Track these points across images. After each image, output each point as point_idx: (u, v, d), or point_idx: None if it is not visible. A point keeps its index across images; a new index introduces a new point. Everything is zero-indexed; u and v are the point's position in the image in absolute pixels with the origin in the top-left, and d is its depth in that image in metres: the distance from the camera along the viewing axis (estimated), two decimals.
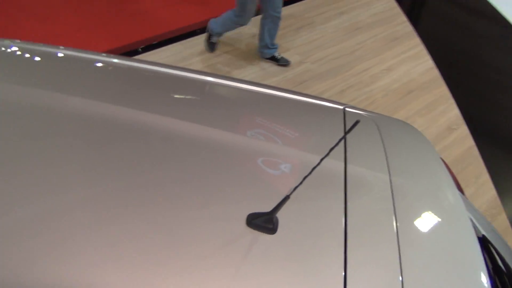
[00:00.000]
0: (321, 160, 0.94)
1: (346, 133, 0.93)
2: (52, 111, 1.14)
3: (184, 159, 1.07)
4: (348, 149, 1.22)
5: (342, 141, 1.23)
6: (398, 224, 1.02)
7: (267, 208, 0.92)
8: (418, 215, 1.09)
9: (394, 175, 1.17)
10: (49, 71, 1.37)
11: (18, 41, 1.51)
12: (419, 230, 1.05)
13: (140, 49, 4.15)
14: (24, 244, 0.81)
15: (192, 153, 1.09)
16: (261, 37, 3.81)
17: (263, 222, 0.92)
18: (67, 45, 1.54)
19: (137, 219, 0.89)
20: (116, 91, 1.29)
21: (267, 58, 3.94)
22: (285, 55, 4.01)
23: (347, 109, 1.45)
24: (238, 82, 1.46)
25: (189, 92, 1.39)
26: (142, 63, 1.45)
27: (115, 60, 1.45)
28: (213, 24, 3.91)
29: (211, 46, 4.06)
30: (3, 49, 1.43)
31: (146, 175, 1.00)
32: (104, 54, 1.50)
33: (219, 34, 4.01)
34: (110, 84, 1.33)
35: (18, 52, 1.43)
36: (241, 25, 3.74)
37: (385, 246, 0.96)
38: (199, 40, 4.25)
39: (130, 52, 4.09)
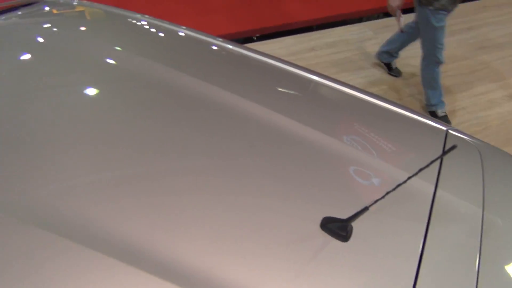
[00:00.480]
0: (409, 178, 0.91)
1: (441, 155, 0.89)
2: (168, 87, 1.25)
3: (275, 151, 1.10)
4: (442, 173, 1.16)
5: (437, 164, 1.17)
6: (480, 264, 0.95)
7: (344, 214, 0.92)
8: (507, 260, 1.01)
9: (488, 210, 1.09)
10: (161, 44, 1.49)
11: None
12: (503, 276, 0.97)
13: (255, 37, 4.27)
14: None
15: (284, 147, 1.12)
16: (391, 41, 3.64)
17: (337, 228, 0.92)
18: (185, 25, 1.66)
19: (215, 200, 0.95)
20: (221, 73, 1.36)
21: (382, 62, 3.80)
22: (400, 65, 3.85)
23: (450, 131, 1.37)
24: (341, 85, 1.45)
25: (290, 87, 1.41)
26: (252, 51, 1.51)
27: (225, 45, 1.52)
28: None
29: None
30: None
31: (237, 160, 1.05)
32: (212, 36, 1.59)
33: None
34: (217, 67, 1.41)
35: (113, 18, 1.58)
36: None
37: (461, 282, 0.90)
38: (313, 36, 4.26)
39: (245, 39, 4.24)
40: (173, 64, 1.34)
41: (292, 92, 1.40)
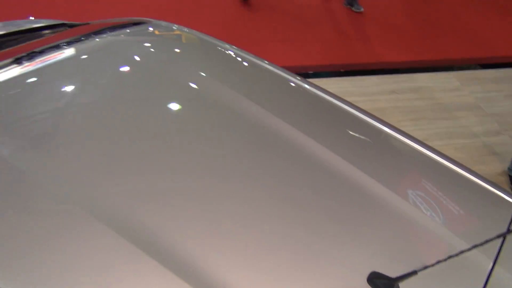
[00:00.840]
0: (463, 252, 0.90)
1: (506, 232, 0.88)
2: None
3: (331, 194, 1.14)
4: (504, 250, 1.12)
5: (499, 240, 1.13)
6: None
7: (394, 270, 0.93)
8: None
9: None
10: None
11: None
12: None
13: (341, 71, 4.32)
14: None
15: (346, 193, 1.15)
16: None
17: (384, 286, 0.93)
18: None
19: (265, 236, 1.00)
20: (296, 113, 1.43)
21: None
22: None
23: None
24: (406, 137, 1.44)
25: (359, 134, 1.44)
26: (327, 94, 1.55)
27: (304, 84, 1.58)
28: None
29: None
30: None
31: (298, 201, 1.10)
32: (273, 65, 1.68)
33: None
34: (293, 106, 1.48)
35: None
36: None
37: None
38: (397, 79, 4.21)
39: (330, 73, 4.30)
40: (250, 95, 1.43)
41: (360, 140, 1.43)
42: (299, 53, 4.52)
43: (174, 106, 1.39)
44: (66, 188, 1.03)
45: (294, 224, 1.03)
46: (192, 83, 1.46)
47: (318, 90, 1.55)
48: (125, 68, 1.54)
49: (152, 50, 1.66)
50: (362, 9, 5.29)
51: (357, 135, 1.45)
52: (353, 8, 5.31)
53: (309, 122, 1.39)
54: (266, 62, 1.66)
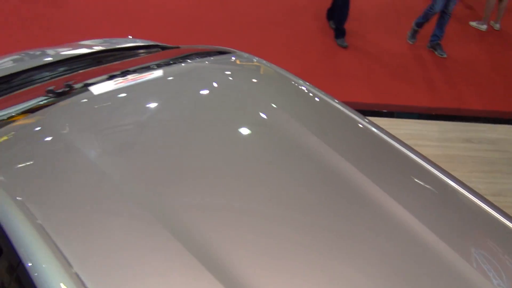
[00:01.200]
0: None
1: None
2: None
3: (384, 236, 1.17)
4: None
5: None
6: None
7: None
8: None
9: None
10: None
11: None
12: None
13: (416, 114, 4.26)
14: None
15: (394, 234, 1.18)
16: None
17: None
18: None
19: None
20: (364, 158, 1.47)
21: None
22: None
23: None
24: (468, 191, 1.40)
25: (414, 176, 1.44)
26: (398, 142, 1.56)
27: (373, 128, 1.61)
28: None
29: None
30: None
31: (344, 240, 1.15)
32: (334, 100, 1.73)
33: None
34: (362, 149, 1.52)
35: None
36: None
37: None
38: (474, 127, 4.07)
39: (407, 114, 4.28)
40: (316, 131, 1.51)
41: (419, 187, 1.42)
42: (378, 91, 4.56)
43: (243, 131, 1.51)
44: (141, 194, 1.17)
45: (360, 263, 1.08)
46: (263, 112, 1.58)
47: (384, 134, 1.58)
48: (204, 92, 1.70)
49: (230, 78, 1.81)
50: (445, 55, 5.19)
51: (417, 181, 1.45)
52: (436, 52, 5.23)
53: (371, 164, 1.43)
54: (336, 101, 1.73)
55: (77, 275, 0.94)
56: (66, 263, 0.96)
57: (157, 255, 1.02)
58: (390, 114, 4.27)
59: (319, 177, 1.34)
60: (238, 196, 1.22)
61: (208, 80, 1.76)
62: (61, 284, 0.93)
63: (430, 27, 5.28)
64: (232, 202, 1.20)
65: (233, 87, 1.74)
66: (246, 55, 2.06)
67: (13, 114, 1.63)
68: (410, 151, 1.51)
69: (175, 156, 1.34)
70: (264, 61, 1.99)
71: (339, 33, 5.25)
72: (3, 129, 1.46)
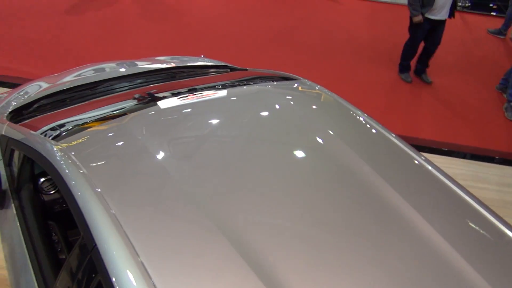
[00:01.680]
0: None
1: None
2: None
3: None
4: None
5: None
6: None
7: None
8: None
9: None
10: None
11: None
12: None
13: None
14: None
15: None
16: None
17: None
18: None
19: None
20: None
21: None
22: None
23: None
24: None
25: (469, 218, 1.45)
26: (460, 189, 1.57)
27: (435, 171, 1.63)
28: None
29: None
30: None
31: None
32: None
33: None
34: (418, 189, 1.55)
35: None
36: None
37: None
38: None
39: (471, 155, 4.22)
40: (369, 161, 1.57)
41: (472, 230, 1.42)
42: (442, 129, 4.52)
43: (298, 154, 1.61)
44: (203, 200, 1.30)
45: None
46: (319, 138, 1.67)
47: (438, 172, 1.60)
48: (265, 114, 1.83)
49: (291, 103, 1.92)
50: None
51: (471, 224, 1.45)
52: (505, 95, 5.10)
53: (422, 201, 1.46)
54: (393, 135, 1.79)
55: (142, 264, 1.07)
56: (134, 252, 1.10)
57: (213, 258, 1.12)
58: (448, 153, 4.20)
59: (367, 207, 1.39)
60: (288, 213, 1.31)
61: (270, 103, 1.88)
62: (128, 270, 1.06)
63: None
64: (282, 218, 1.29)
65: (293, 112, 1.85)
66: (309, 82, 2.17)
67: (95, 118, 1.84)
68: (465, 193, 1.53)
69: (233, 170, 1.46)
70: (326, 90, 2.09)
71: (403, 68, 5.42)
72: (87, 130, 1.67)
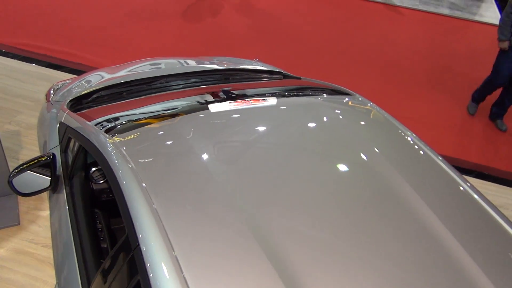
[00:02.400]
0: None
1: None
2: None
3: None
4: None
5: None
6: None
7: None
8: None
9: None
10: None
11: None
12: None
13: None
14: None
15: None
16: None
17: None
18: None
19: None
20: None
21: None
22: None
23: None
24: None
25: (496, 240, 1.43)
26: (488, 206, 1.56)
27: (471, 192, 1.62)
28: None
29: None
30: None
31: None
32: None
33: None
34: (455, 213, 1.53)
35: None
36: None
37: None
38: None
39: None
40: (410, 181, 1.55)
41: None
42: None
43: (341, 168, 1.60)
44: (243, 207, 1.32)
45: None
46: (364, 154, 1.66)
47: (480, 197, 1.57)
48: (312, 126, 1.84)
49: (341, 117, 1.91)
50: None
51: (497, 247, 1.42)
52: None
53: (459, 225, 1.44)
54: (439, 157, 1.75)
55: (177, 259, 1.12)
56: (170, 247, 1.14)
57: (247, 267, 1.14)
58: (503, 181, 4.01)
59: (405, 228, 1.38)
60: (324, 227, 1.32)
61: (318, 115, 1.88)
62: (163, 263, 1.10)
63: None
64: (319, 234, 1.30)
65: (340, 127, 1.83)
66: (361, 98, 2.14)
67: (149, 116, 1.91)
68: (504, 221, 1.51)
69: (275, 179, 1.48)
70: (377, 107, 2.06)
71: (475, 98, 4.90)
72: (140, 127, 1.73)
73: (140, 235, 1.20)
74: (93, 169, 2.02)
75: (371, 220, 1.37)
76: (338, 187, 1.50)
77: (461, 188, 1.63)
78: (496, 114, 4.70)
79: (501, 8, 8.05)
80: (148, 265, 1.12)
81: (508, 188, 3.94)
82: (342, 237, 1.29)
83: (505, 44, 4.18)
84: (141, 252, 1.16)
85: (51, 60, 4.93)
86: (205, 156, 1.54)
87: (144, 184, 1.36)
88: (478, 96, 4.78)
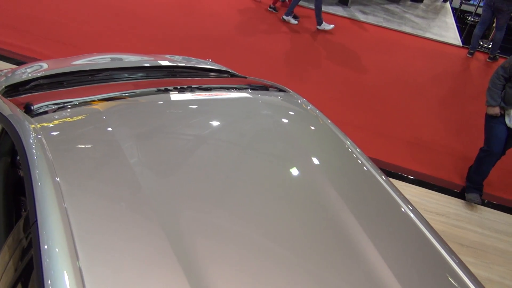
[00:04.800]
0: None
1: None
2: None
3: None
4: None
5: None
6: None
7: None
8: None
9: None
10: None
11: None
12: None
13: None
14: None
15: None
16: None
17: None
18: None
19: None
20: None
21: None
22: None
23: None
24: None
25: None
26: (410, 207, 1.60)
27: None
28: None
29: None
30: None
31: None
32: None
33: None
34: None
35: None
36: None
37: None
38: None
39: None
40: (333, 180, 1.59)
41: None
42: None
43: (261, 160, 1.63)
44: (159, 204, 1.30)
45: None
46: (285, 148, 1.70)
47: (405, 204, 1.60)
48: (239, 119, 1.88)
49: (269, 111, 1.93)
50: None
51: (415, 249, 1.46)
52: None
53: (372, 220, 1.48)
54: (364, 156, 1.80)
55: (71, 232, 1.11)
56: (68, 225, 1.13)
57: (154, 268, 1.11)
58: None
59: (321, 223, 1.40)
60: (242, 225, 1.32)
61: (249, 110, 1.92)
62: (60, 238, 1.08)
63: None
64: (235, 231, 1.30)
65: (273, 123, 1.86)
66: (300, 98, 2.18)
67: (81, 101, 1.88)
68: (416, 216, 1.56)
69: (192, 172, 1.48)
70: (311, 105, 2.10)
71: (472, 187, 4.02)
72: (69, 116, 1.70)
73: (38, 210, 1.18)
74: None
75: (286, 214, 1.39)
76: (257, 181, 1.51)
77: (381, 186, 1.67)
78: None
79: (461, 31, 8.38)
80: (41, 238, 1.09)
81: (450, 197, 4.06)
82: (255, 231, 1.30)
83: (496, 110, 3.63)
84: (37, 227, 1.14)
85: None
86: (127, 148, 1.52)
87: (58, 178, 1.32)
88: (477, 179, 3.97)
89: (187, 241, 1.20)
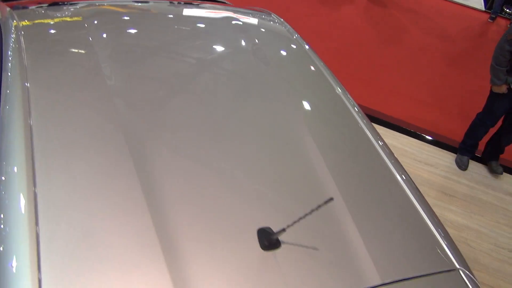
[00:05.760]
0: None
1: None
2: None
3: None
4: None
5: None
6: None
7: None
8: None
9: None
10: None
11: None
12: None
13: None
14: None
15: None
16: None
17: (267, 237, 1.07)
18: None
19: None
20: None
21: None
22: None
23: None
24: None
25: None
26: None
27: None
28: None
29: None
30: None
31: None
32: None
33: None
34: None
35: None
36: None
37: None
38: None
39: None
40: (298, 100, 1.65)
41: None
42: None
43: (231, 77, 1.67)
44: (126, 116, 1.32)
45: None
46: (258, 65, 1.75)
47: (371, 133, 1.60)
48: (214, 37, 1.90)
49: (246, 31, 1.95)
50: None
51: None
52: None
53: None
54: (337, 82, 1.82)
55: (32, 159, 1.11)
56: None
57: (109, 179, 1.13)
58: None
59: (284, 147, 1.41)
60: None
61: (228, 27, 1.96)
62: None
63: None
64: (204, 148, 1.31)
65: (245, 38, 1.89)
66: (280, 20, 2.19)
67: (71, 9, 1.94)
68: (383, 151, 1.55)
69: (163, 84, 1.51)
70: (289, 26, 2.12)
71: (464, 149, 4.00)
72: (53, 17, 1.77)
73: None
74: None
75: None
76: (224, 92, 1.55)
77: (348, 112, 1.67)
78: (491, 154, 4.00)
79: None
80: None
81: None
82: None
83: (503, 88, 3.47)
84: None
85: None
86: (102, 54, 1.56)
87: (27, 84, 1.35)
88: (470, 142, 3.94)
89: (147, 149, 1.22)
